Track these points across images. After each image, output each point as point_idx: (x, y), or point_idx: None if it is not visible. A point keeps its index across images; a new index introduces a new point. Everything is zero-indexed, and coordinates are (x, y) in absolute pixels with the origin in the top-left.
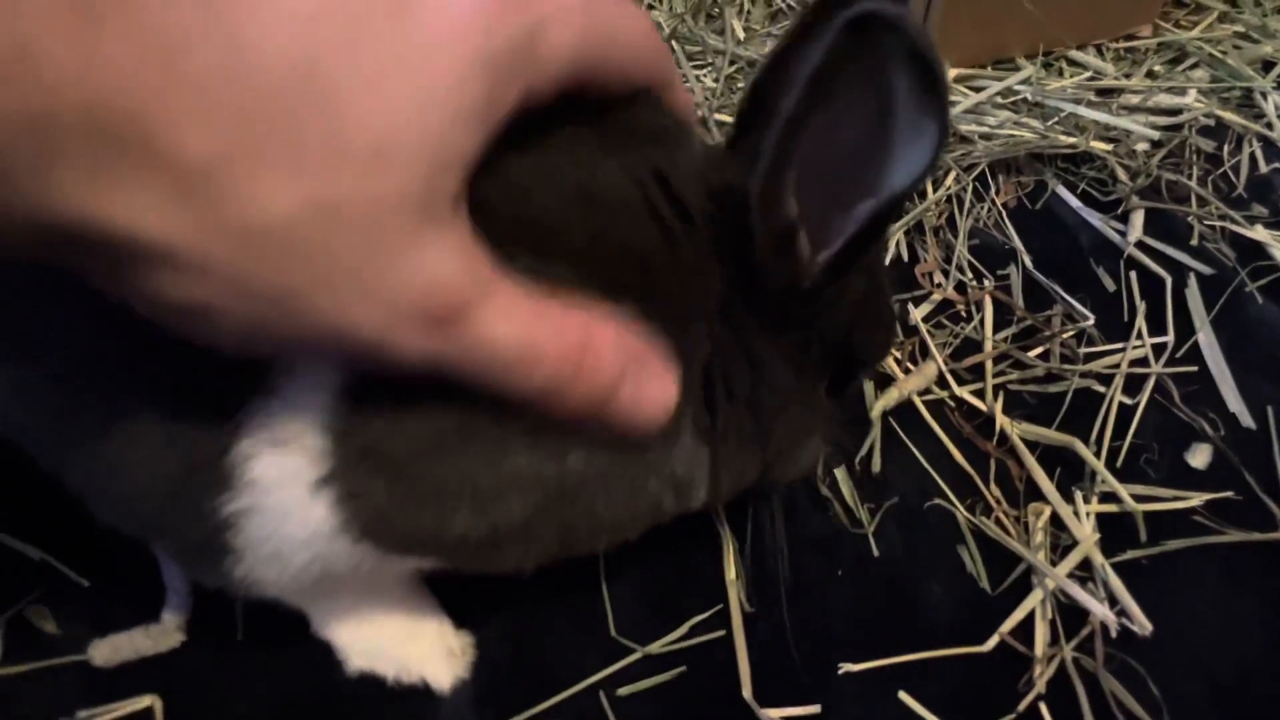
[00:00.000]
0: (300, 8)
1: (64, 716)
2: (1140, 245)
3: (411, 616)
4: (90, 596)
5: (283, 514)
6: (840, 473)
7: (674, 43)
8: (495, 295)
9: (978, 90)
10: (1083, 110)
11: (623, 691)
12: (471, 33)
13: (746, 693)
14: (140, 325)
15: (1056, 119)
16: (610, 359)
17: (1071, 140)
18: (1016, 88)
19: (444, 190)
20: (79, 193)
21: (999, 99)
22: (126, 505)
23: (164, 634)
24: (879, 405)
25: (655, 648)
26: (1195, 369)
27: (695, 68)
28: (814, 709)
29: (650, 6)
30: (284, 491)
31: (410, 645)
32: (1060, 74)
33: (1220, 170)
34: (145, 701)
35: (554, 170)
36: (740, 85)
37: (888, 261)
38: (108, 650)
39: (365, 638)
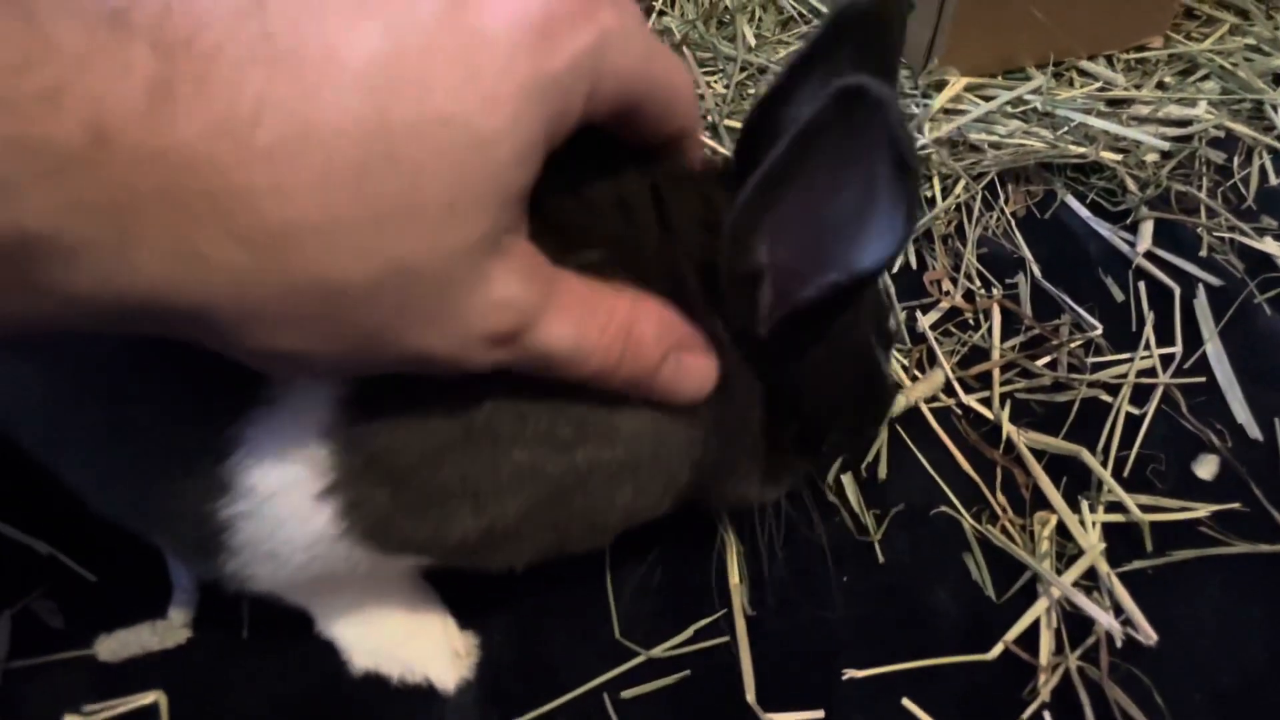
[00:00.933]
0: (367, 66)
1: (69, 711)
2: (1149, 256)
3: (416, 616)
4: (97, 592)
5: (282, 520)
6: (847, 479)
7: (685, 48)
8: (552, 302)
9: (988, 99)
10: (1093, 120)
11: (626, 694)
12: (535, 55)
13: (750, 697)
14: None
15: (1066, 129)
16: (652, 341)
17: (1081, 150)
18: (1027, 97)
19: (509, 223)
20: (160, 272)
21: (1009, 108)
22: (124, 503)
23: (170, 630)
24: None
25: (659, 651)
26: (1203, 380)
27: (706, 74)
28: (817, 714)
29: (661, 12)
30: (284, 499)
31: (414, 645)
32: (1070, 84)
33: (1230, 182)
34: (150, 697)
35: (589, 174)
36: (751, 92)
37: (896, 269)
38: (114, 646)
39: (369, 637)
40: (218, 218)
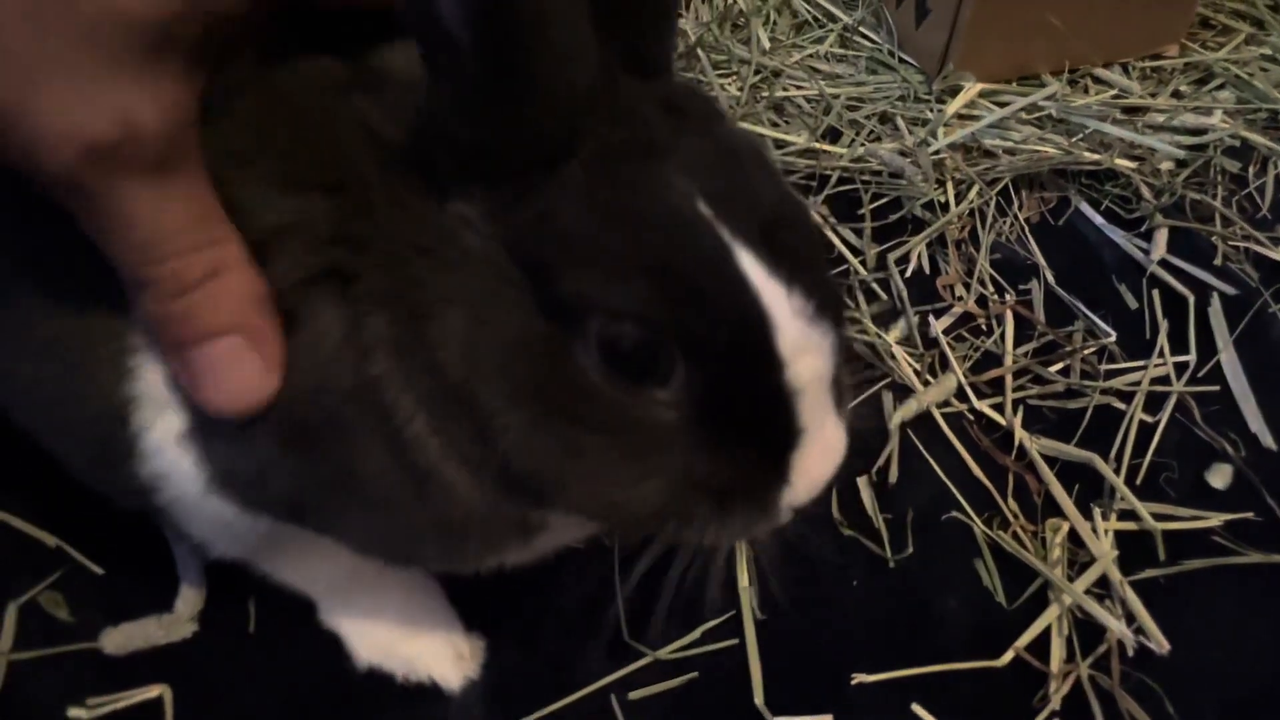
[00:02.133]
0: None
1: (74, 704)
2: (1163, 264)
3: (421, 615)
4: (104, 584)
5: (175, 473)
6: (860, 483)
7: (700, 51)
8: (167, 171)
9: (1002, 105)
10: (1108, 127)
11: (634, 695)
12: None
13: (758, 700)
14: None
15: (1081, 135)
16: (227, 308)
17: (1096, 157)
18: (1041, 104)
19: (177, 32)
20: None
21: (1024, 114)
22: (80, 472)
23: (176, 624)
24: (897, 416)
25: (666, 653)
26: (1217, 388)
27: (720, 76)
28: (825, 718)
29: (677, 15)
30: (168, 451)
31: (419, 644)
32: (1086, 91)
33: (1245, 191)
34: (155, 691)
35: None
36: (765, 94)
37: (909, 273)
38: (120, 638)
39: (373, 633)
40: None
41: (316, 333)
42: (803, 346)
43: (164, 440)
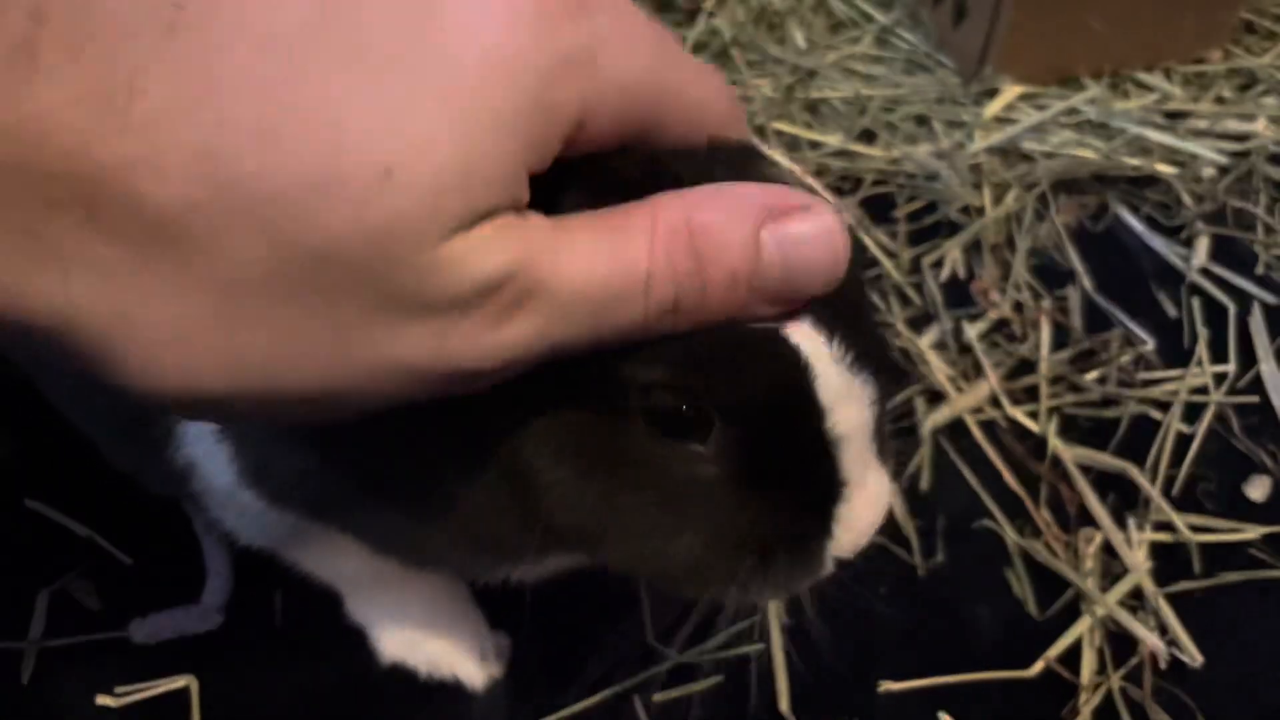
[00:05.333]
0: (282, 27)
1: (102, 692)
2: (1204, 272)
3: (447, 613)
4: (133, 575)
5: (208, 463)
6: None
7: (734, 49)
8: (556, 239)
9: (1041, 109)
10: (1149, 132)
11: (658, 698)
12: (514, 41)
13: (784, 706)
14: None
15: (1121, 140)
16: (726, 222)
17: (1136, 162)
18: (1081, 107)
19: (475, 202)
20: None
21: (1063, 118)
22: (112, 453)
23: (203, 615)
24: (929, 422)
25: (692, 655)
26: (1256, 399)
27: (755, 76)
28: None
29: (711, 14)
30: (203, 442)
31: (443, 642)
32: (1126, 95)
33: None
34: (182, 681)
35: None
36: (799, 95)
37: (944, 278)
38: (148, 628)
39: (398, 629)
40: (77, 203)
41: None
42: (843, 395)
43: (200, 431)
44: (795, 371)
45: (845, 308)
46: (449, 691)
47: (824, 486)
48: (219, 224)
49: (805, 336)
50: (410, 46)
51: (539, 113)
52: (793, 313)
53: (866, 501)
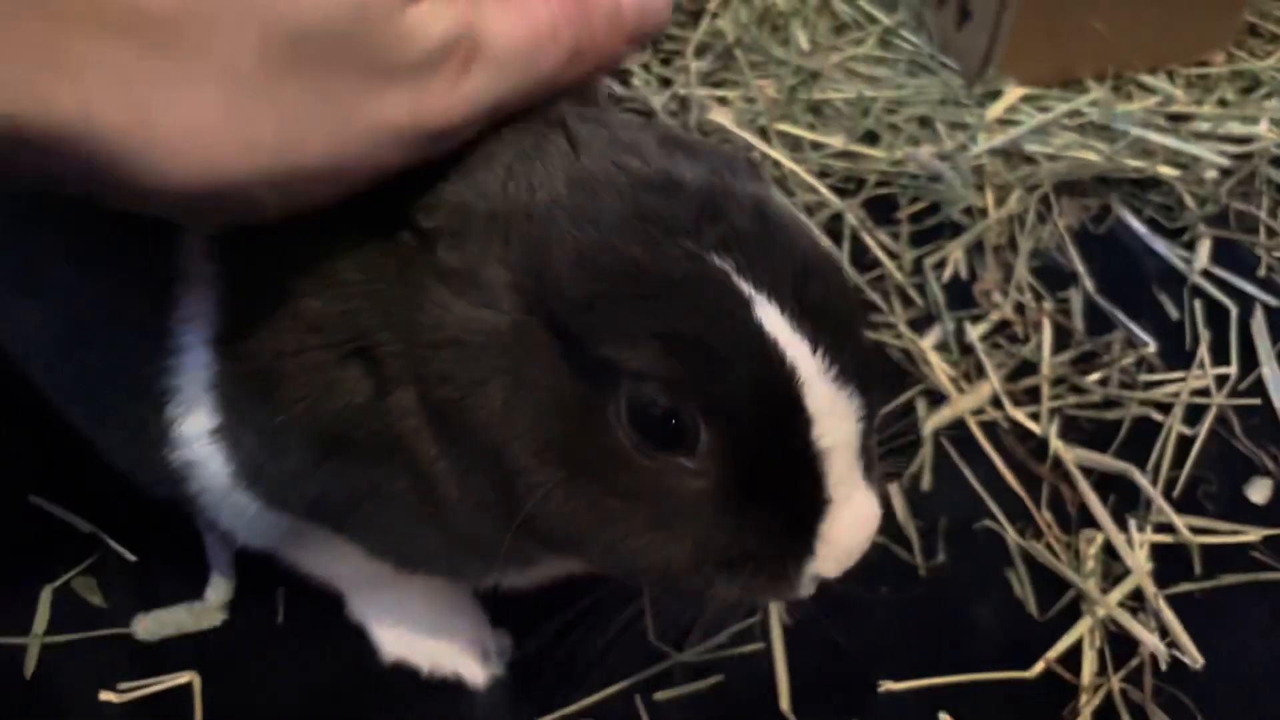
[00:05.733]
0: None
1: (106, 688)
2: (1206, 274)
3: (448, 612)
4: (137, 571)
5: (204, 464)
6: (892, 489)
7: (738, 51)
8: (485, 14)
9: (1044, 110)
10: (1151, 135)
11: (659, 696)
12: None
13: (784, 705)
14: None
15: (1124, 142)
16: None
17: (1139, 164)
18: (1084, 110)
19: None
20: (17, 81)
21: (1066, 120)
22: (111, 454)
23: (206, 612)
24: (931, 423)
25: (692, 655)
26: (1258, 402)
27: (758, 77)
28: None
29: (715, 15)
30: (199, 443)
31: (445, 640)
32: (1129, 98)
33: None
34: (185, 677)
35: None
36: (802, 97)
37: (946, 279)
38: (151, 625)
39: (400, 626)
40: (85, 11)
41: (349, 390)
42: (829, 408)
43: (196, 433)
44: (783, 375)
45: (833, 319)
46: (451, 689)
47: (809, 503)
48: (213, 14)
49: (792, 344)
50: None
51: None
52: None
53: (852, 522)
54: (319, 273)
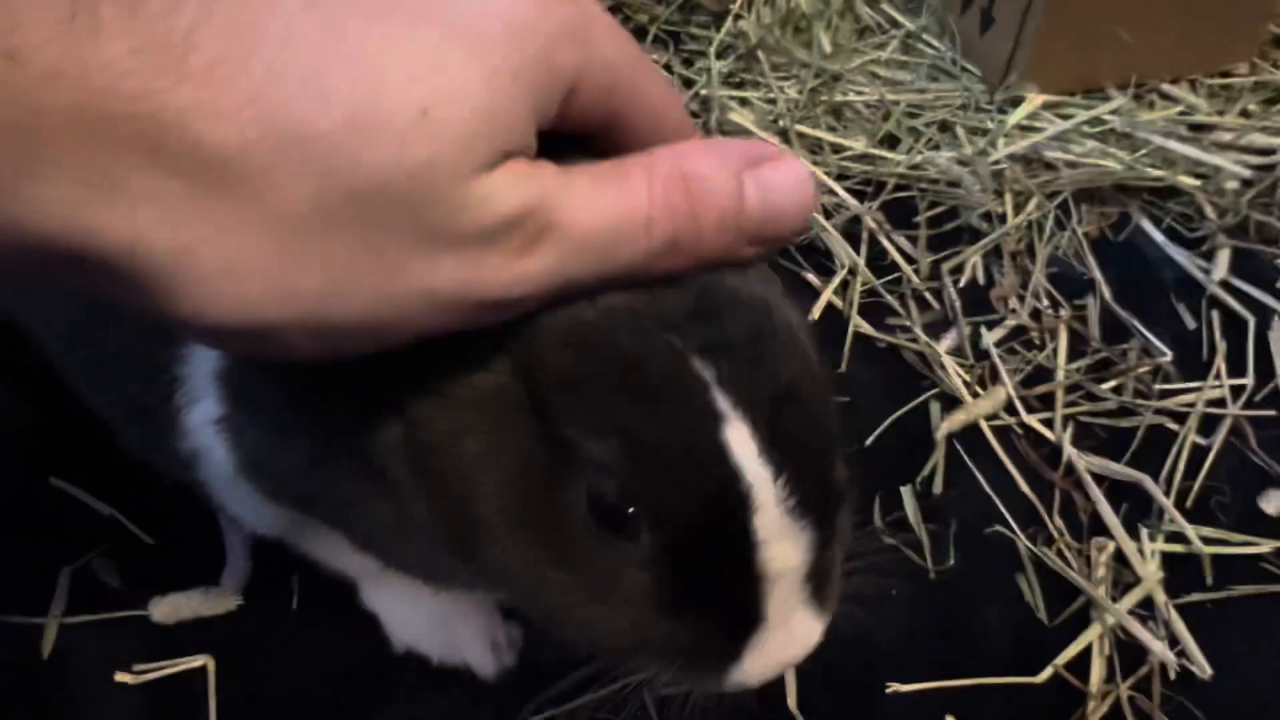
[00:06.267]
0: None
1: (121, 669)
2: (1224, 284)
3: (459, 603)
4: (154, 555)
5: (209, 453)
6: (904, 492)
7: (760, 52)
8: (569, 182)
9: (1065, 117)
10: (1173, 144)
11: (668, 691)
12: (524, 7)
13: (791, 703)
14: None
15: (1145, 151)
16: (714, 168)
17: (1159, 173)
18: (1106, 117)
19: (493, 129)
20: (72, 202)
21: (1087, 128)
22: (126, 437)
23: (221, 597)
24: (944, 427)
25: None
26: (1273, 413)
27: (779, 79)
28: None
29: (738, 16)
30: (205, 433)
31: (456, 631)
32: (1151, 107)
33: None
34: (199, 661)
35: None
36: (823, 99)
37: (962, 283)
38: (167, 608)
39: (411, 618)
40: (143, 142)
41: (339, 409)
42: (779, 536)
43: (202, 422)
44: (736, 498)
45: (803, 449)
46: (463, 677)
47: (743, 620)
48: (271, 162)
49: (755, 469)
50: (436, 6)
51: (546, 71)
52: (769, 253)
53: (782, 644)
54: None
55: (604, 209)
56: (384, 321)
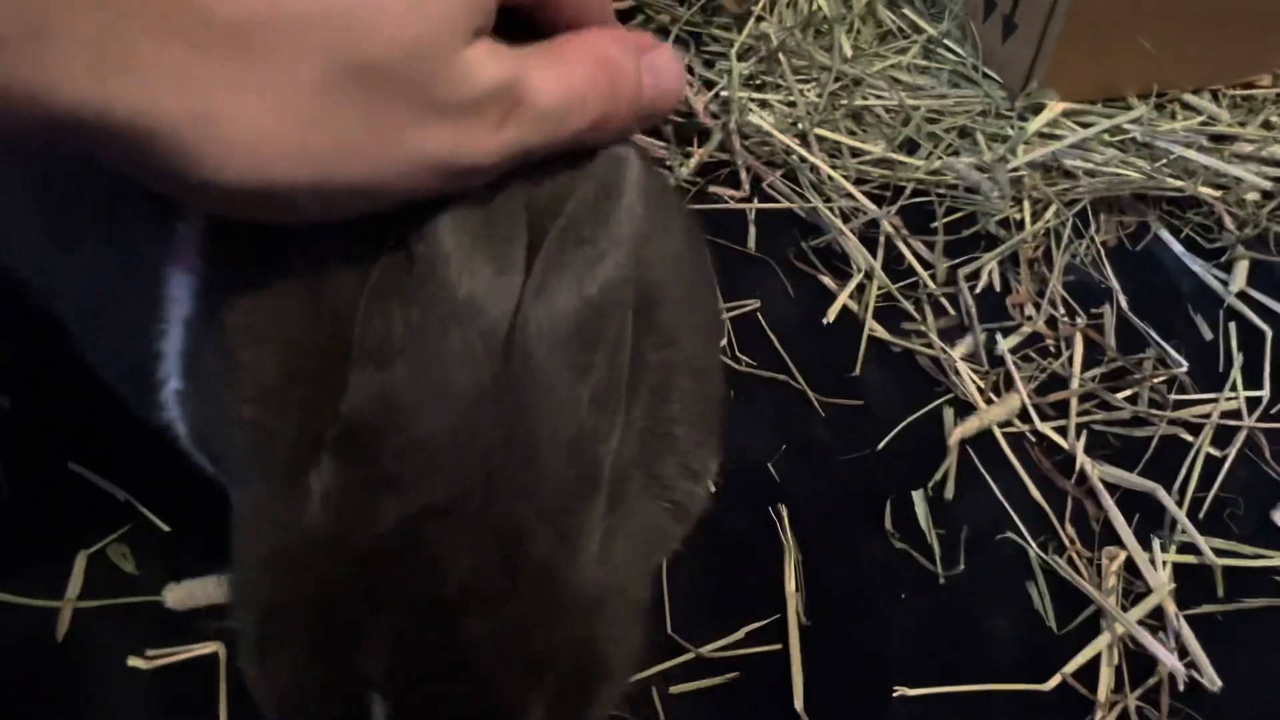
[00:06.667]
0: None
1: (134, 653)
2: (1242, 296)
3: None
4: (170, 541)
5: (177, 425)
6: (915, 496)
7: (781, 55)
8: (530, 69)
9: (1086, 125)
10: (1193, 154)
11: (675, 690)
12: None
13: (798, 704)
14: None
15: (1165, 161)
16: (624, 54)
17: (1179, 183)
18: (1126, 126)
19: (472, 11)
20: (86, 73)
21: (1107, 136)
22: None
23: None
24: (957, 433)
25: (710, 650)
26: None
27: (800, 81)
28: None
29: (760, 18)
30: (172, 406)
31: None
32: (1172, 116)
33: None
34: (211, 648)
35: None
36: (843, 102)
37: (979, 289)
38: (182, 595)
39: None
40: (151, 12)
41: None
42: None
43: (169, 396)
44: None
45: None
46: None
47: None
48: (280, 37)
49: None
50: None
51: None
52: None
53: None
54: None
55: (556, 86)
56: (383, 184)
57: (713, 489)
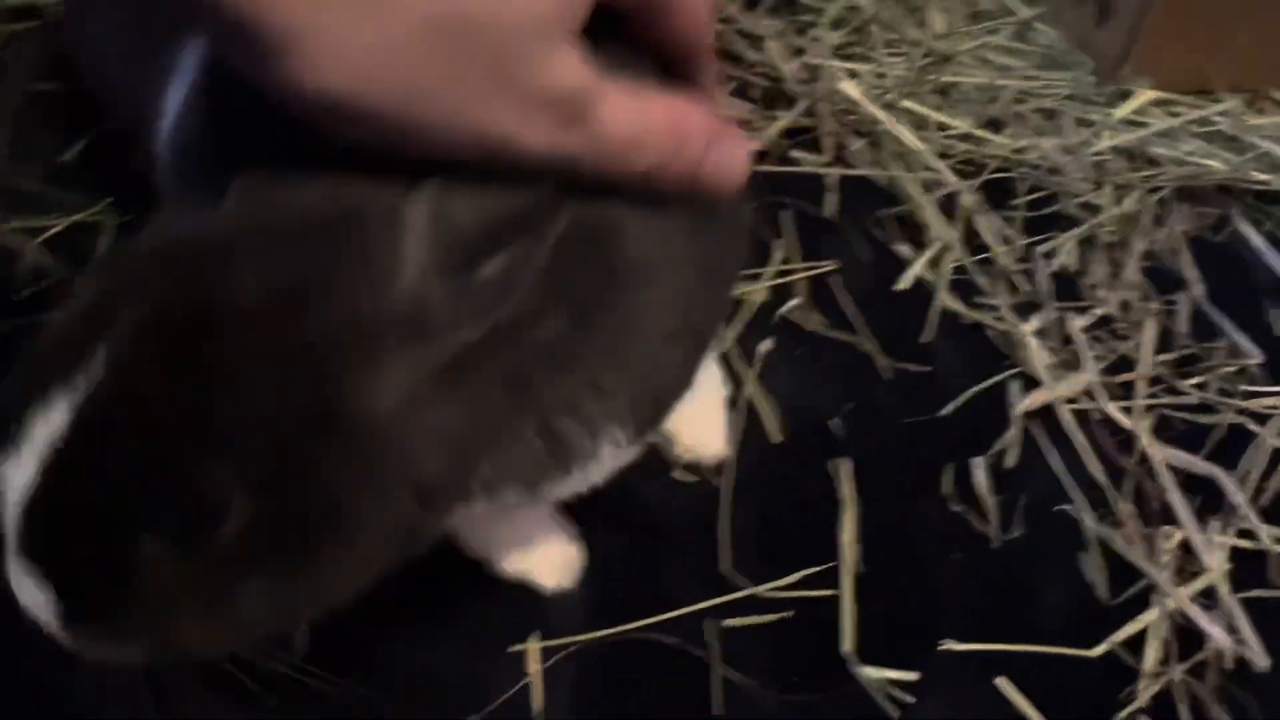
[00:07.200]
0: None
1: None
2: None
3: (530, 519)
4: None
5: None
6: (975, 462)
7: (873, 27)
8: (608, 95)
9: (1174, 115)
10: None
11: (728, 624)
12: None
13: (847, 646)
14: None
15: (1251, 155)
16: (699, 133)
17: (1264, 177)
18: (1214, 118)
19: (572, 14)
20: None
21: (1194, 127)
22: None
23: None
24: (1024, 404)
25: (765, 589)
26: None
27: (889, 54)
28: (911, 675)
29: None
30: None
31: (524, 544)
32: (1261, 112)
33: None
34: None
35: None
36: (931, 77)
37: (1054, 268)
38: None
39: (481, 527)
40: None
41: None
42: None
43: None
44: None
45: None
46: (527, 599)
47: None
48: None
49: None
50: None
51: None
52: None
53: None
54: None
55: (624, 120)
56: (443, 137)
57: (616, 463)
